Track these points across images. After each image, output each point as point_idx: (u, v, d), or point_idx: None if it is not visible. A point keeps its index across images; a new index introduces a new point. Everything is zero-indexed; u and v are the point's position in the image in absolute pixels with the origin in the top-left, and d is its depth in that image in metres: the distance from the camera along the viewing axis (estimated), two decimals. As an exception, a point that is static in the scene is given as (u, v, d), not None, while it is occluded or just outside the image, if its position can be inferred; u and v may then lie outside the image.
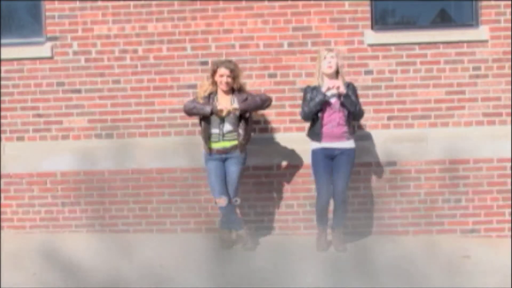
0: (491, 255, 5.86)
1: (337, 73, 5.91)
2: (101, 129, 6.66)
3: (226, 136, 5.95)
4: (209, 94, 5.96)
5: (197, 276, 5.30)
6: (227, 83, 5.92)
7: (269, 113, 6.54)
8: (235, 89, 6.00)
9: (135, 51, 6.62)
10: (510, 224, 6.49)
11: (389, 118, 6.55)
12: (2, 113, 6.68)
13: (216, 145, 5.95)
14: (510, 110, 6.51)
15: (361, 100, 6.52)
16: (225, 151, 5.96)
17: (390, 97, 6.54)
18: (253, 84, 6.54)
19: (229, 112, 5.86)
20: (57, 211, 6.67)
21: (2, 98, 6.67)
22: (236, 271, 5.44)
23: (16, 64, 6.67)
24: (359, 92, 6.51)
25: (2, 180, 6.68)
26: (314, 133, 5.90)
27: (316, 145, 5.90)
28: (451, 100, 6.53)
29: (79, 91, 6.65)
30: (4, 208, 6.68)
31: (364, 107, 6.53)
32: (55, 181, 6.65)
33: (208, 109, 5.87)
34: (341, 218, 6.03)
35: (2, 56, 6.61)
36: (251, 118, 6.07)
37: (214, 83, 5.98)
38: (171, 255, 5.91)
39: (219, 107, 5.85)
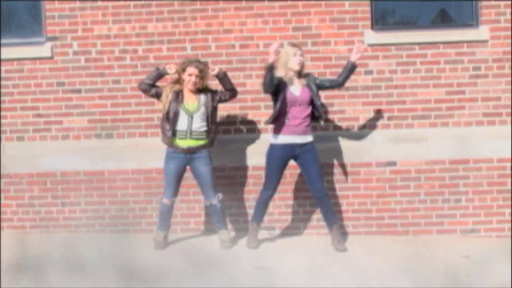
0: (491, 255, 5.86)
1: (300, 71, 5.99)
2: (101, 129, 6.66)
3: (193, 134, 5.97)
4: (177, 92, 5.96)
5: (196, 276, 5.30)
6: (194, 83, 5.96)
7: (269, 113, 6.52)
8: (200, 89, 6.04)
9: (135, 51, 6.62)
10: (510, 224, 6.49)
11: (389, 118, 6.55)
12: (2, 113, 6.68)
13: (181, 143, 5.95)
14: (510, 110, 6.51)
15: (361, 100, 6.55)
16: (190, 150, 5.96)
17: (390, 97, 6.53)
18: (253, 84, 6.54)
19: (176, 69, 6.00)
20: (57, 211, 6.67)
21: (2, 98, 6.67)
22: (236, 270, 5.45)
23: (16, 64, 6.67)
24: (359, 92, 6.53)
25: (2, 180, 6.68)
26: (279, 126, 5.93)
27: (277, 139, 5.94)
28: (451, 100, 6.53)
29: (79, 91, 6.65)
30: (4, 208, 6.68)
31: (364, 107, 6.56)
32: (55, 181, 6.66)
33: (157, 70, 6.02)
34: (333, 214, 6.04)
35: (2, 56, 6.61)
36: (216, 116, 6.12)
37: (181, 81, 6.00)
38: (171, 255, 5.92)
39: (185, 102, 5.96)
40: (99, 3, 6.60)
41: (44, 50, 6.64)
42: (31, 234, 6.58)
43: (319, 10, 6.52)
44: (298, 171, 6.43)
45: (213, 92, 6.09)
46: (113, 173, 6.62)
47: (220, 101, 6.11)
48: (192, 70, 5.95)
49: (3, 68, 6.66)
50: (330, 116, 6.54)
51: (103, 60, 6.63)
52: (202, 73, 5.99)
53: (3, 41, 6.64)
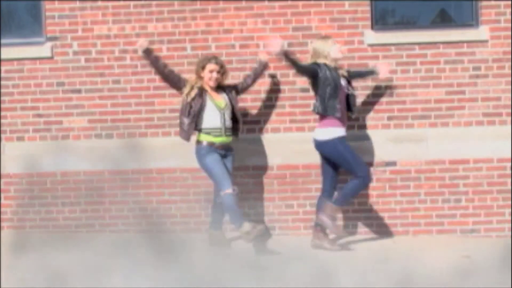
0: (491, 255, 5.86)
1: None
2: (101, 129, 6.66)
3: (227, 131, 5.97)
4: (201, 90, 5.93)
5: (196, 275, 5.30)
6: (216, 79, 5.94)
7: (269, 113, 6.54)
8: (220, 87, 6.05)
9: (135, 51, 6.60)
10: (510, 224, 6.49)
11: (389, 118, 6.55)
12: (2, 113, 6.68)
13: (217, 140, 5.94)
14: (510, 110, 6.51)
15: (362, 100, 6.55)
16: (225, 147, 5.97)
17: (390, 97, 6.53)
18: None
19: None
20: (57, 211, 6.67)
21: (2, 98, 6.67)
22: (236, 270, 5.45)
23: (16, 64, 6.67)
24: (360, 92, 6.53)
25: (2, 180, 6.68)
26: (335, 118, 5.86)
27: (338, 132, 5.88)
28: (451, 100, 6.53)
29: (79, 91, 6.65)
30: (4, 208, 6.68)
31: (364, 107, 6.56)
32: (55, 181, 6.65)
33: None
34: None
35: (2, 56, 6.61)
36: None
37: (200, 79, 5.97)
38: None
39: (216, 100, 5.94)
40: (99, 3, 6.60)
41: (44, 50, 6.64)
42: (31, 234, 6.58)
43: (319, 10, 6.52)
44: (298, 171, 6.45)
45: (234, 87, 6.11)
46: (113, 173, 6.61)
47: (243, 90, 6.13)
48: (212, 66, 5.93)
49: (3, 68, 6.66)
50: (330, 116, 6.54)
51: (103, 60, 6.63)
52: (223, 69, 5.99)
53: (3, 41, 6.64)
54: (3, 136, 6.69)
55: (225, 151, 5.98)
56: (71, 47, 6.63)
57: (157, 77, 6.58)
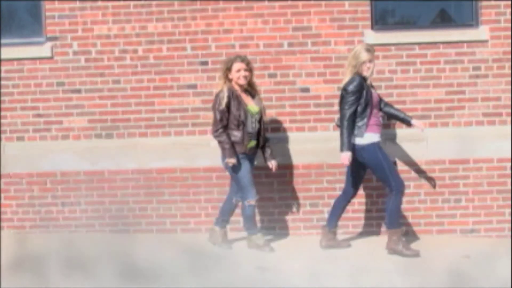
0: (491, 255, 5.86)
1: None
2: (101, 129, 6.66)
3: (256, 135, 5.99)
4: (236, 99, 5.86)
5: (196, 276, 5.31)
6: (245, 77, 5.91)
7: (269, 113, 6.53)
8: (247, 89, 6.01)
9: (135, 51, 6.62)
10: (510, 224, 6.49)
11: (389, 118, 6.55)
12: (2, 113, 6.69)
13: (249, 144, 5.96)
14: (510, 110, 6.51)
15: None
16: (253, 150, 6.00)
17: (390, 97, 6.53)
18: (253, 84, 6.54)
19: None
20: (57, 211, 6.67)
21: (2, 98, 6.67)
22: (236, 270, 5.45)
23: (16, 64, 6.67)
24: (359, 92, 6.53)
25: (2, 180, 6.68)
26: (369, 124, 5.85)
27: (373, 137, 5.85)
28: (451, 100, 6.53)
29: (79, 91, 6.65)
30: (4, 208, 6.68)
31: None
32: (55, 181, 6.65)
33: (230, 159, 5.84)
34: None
35: (2, 56, 6.61)
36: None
37: (229, 81, 5.93)
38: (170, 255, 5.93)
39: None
40: (99, 3, 6.60)
41: (44, 50, 6.64)
42: (31, 234, 6.58)
43: (319, 10, 6.52)
44: (298, 171, 6.45)
45: (261, 103, 6.08)
46: (113, 173, 6.62)
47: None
48: (239, 65, 5.89)
49: (3, 68, 6.66)
50: (330, 117, 6.53)
51: (103, 60, 6.63)
52: (249, 66, 5.95)
53: (3, 41, 6.65)
54: (3, 136, 6.69)
55: (252, 154, 6.01)
56: (71, 47, 6.63)
57: (157, 77, 6.60)
